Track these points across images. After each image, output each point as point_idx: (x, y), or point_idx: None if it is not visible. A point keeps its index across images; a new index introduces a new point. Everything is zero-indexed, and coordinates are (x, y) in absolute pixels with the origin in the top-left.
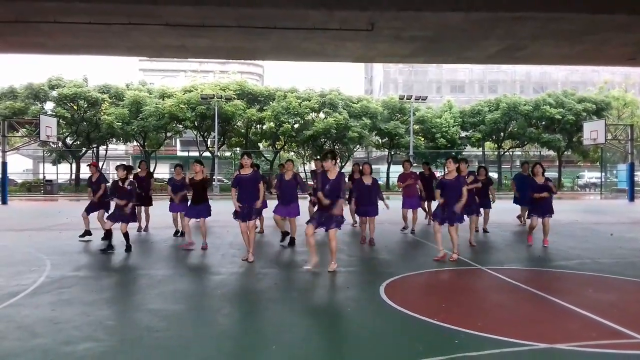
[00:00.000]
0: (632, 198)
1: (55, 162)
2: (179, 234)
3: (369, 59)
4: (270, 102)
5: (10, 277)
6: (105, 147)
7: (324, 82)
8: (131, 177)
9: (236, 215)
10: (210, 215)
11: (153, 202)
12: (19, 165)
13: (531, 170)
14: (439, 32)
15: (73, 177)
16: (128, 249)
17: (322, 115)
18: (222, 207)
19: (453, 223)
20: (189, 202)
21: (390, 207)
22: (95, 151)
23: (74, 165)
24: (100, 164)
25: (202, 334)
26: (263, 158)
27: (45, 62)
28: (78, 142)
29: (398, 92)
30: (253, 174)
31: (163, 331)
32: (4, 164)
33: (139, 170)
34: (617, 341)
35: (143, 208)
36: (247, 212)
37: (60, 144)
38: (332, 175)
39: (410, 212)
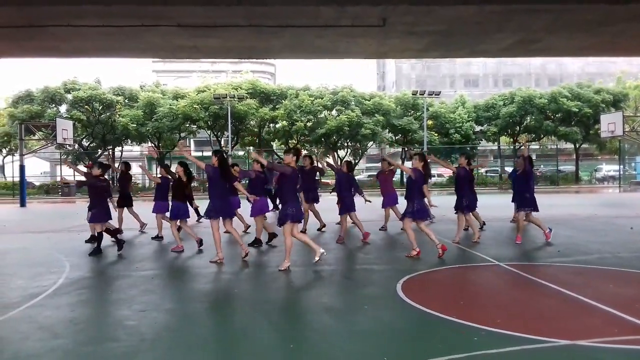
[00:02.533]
0: None
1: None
2: (161, 239)
3: (381, 55)
4: (283, 101)
5: (30, 279)
6: (120, 148)
7: (336, 80)
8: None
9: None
10: (189, 216)
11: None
12: (36, 168)
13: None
14: (452, 26)
15: None
16: (96, 251)
17: (334, 112)
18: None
19: (415, 218)
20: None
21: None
22: (110, 153)
23: None
24: (116, 165)
25: (220, 333)
26: (276, 157)
27: (60, 65)
28: (94, 144)
29: (411, 88)
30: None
31: (182, 330)
32: (22, 167)
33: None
34: None
35: (126, 209)
36: (217, 208)
37: (76, 146)
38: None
39: (390, 210)
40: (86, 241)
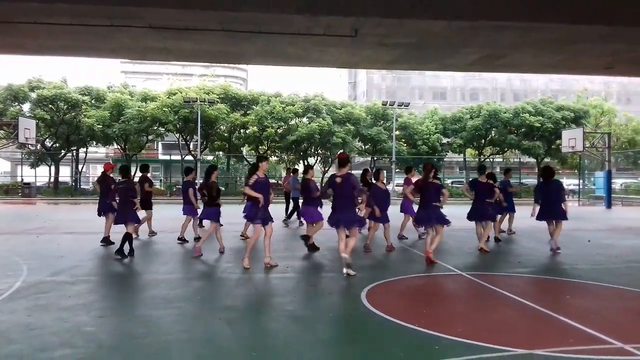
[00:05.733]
0: (609, 205)
1: (33, 165)
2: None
3: (353, 65)
4: (254, 107)
5: None
6: (85, 149)
7: (308, 87)
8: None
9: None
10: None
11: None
12: None
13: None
14: (422, 39)
15: (52, 180)
16: (130, 252)
17: (305, 120)
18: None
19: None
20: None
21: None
22: (75, 154)
23: (52, 168)
24: (80, 166)
25: (182, 340)
26: (246, 162)
27: (25, 63)
28: (57, 145)
29: (381, 98)
30: (265, 180)
31: (142, 337)
32: None
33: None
34: (594, 347)
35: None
36: (268, 215)
37: (39, 146)
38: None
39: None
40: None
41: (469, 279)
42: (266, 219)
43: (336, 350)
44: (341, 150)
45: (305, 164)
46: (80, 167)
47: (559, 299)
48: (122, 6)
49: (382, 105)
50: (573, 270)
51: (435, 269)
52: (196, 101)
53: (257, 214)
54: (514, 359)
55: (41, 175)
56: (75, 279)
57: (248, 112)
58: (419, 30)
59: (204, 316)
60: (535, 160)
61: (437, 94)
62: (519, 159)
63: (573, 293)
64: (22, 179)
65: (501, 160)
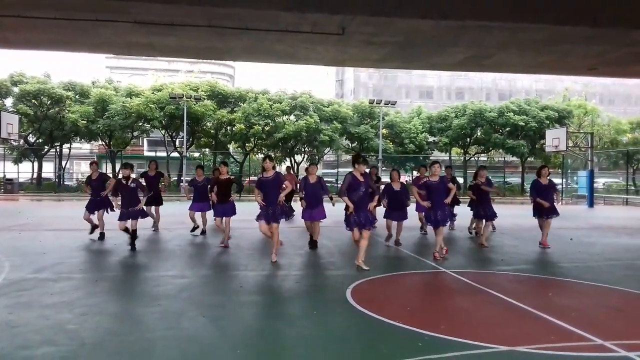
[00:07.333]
0: (591, 204)
1: (16, 161)
2: (200, 233)
3: (340, 63)
4: (241, 104)
5: None
6: (69, 145)
7: (295, 85)
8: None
9: (259, 216)
10: (235, 214)
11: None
12: None
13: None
14: (409, 38)
15: (35, 176)
16: (132, 247)
17: (293, 118)
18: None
19: (439, 225)
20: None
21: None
22: (58, 150)
23: (35, 164)
24: (64, 162)
25: (166, 338)
26: (232, 160)
27: (7, 57)
28: (41, 140)
29: (368, 97)
30: (275, 177)
31: (125, 335)
32: None
33: (148, 169)
34: (576, 344)
35: (153, 208)
36: (271, 213)
37: (22, 141)
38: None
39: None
40: (97, 237)
41: (453, 276)
42: (268, 217)
43: (320, 347)
44: (330, 149)
45: (309, 162)
46: (63, 163)
47: (541, 296)
48: (107, 0)
49: (369, 103)
50: (555, 268)
51: (420, 266)
52: (182, 97)
53: (261, 212)
54: (496, 356)
55: (24, 171)
56: (58, 276)
57: (235, 109)
58: (406, 29)
59: (189, 314)
60: (519, 159)
61: (423, 92)
62: (504, 157)
63: (555, 290)
64: (5, 175)
65: (486, 159)
